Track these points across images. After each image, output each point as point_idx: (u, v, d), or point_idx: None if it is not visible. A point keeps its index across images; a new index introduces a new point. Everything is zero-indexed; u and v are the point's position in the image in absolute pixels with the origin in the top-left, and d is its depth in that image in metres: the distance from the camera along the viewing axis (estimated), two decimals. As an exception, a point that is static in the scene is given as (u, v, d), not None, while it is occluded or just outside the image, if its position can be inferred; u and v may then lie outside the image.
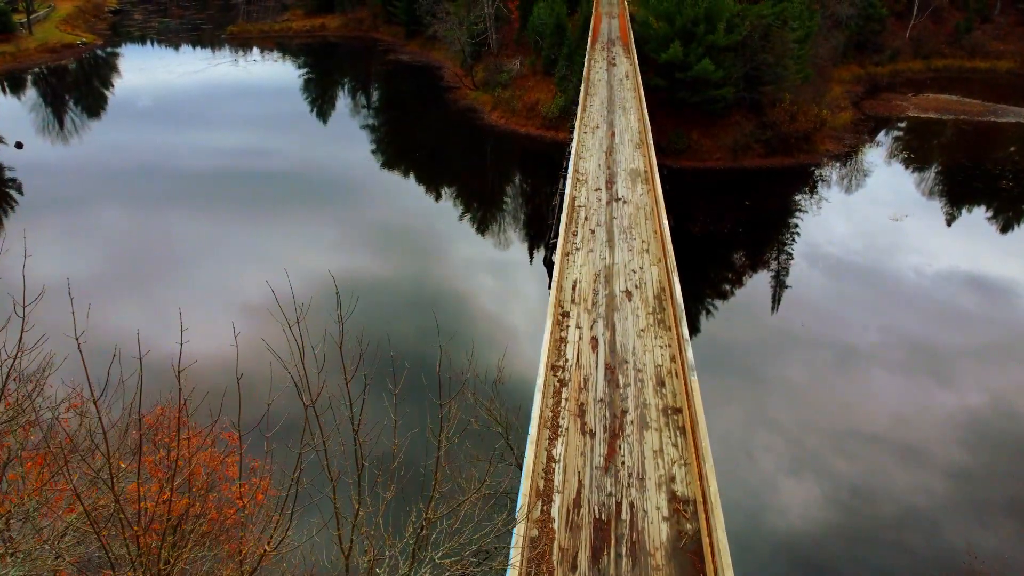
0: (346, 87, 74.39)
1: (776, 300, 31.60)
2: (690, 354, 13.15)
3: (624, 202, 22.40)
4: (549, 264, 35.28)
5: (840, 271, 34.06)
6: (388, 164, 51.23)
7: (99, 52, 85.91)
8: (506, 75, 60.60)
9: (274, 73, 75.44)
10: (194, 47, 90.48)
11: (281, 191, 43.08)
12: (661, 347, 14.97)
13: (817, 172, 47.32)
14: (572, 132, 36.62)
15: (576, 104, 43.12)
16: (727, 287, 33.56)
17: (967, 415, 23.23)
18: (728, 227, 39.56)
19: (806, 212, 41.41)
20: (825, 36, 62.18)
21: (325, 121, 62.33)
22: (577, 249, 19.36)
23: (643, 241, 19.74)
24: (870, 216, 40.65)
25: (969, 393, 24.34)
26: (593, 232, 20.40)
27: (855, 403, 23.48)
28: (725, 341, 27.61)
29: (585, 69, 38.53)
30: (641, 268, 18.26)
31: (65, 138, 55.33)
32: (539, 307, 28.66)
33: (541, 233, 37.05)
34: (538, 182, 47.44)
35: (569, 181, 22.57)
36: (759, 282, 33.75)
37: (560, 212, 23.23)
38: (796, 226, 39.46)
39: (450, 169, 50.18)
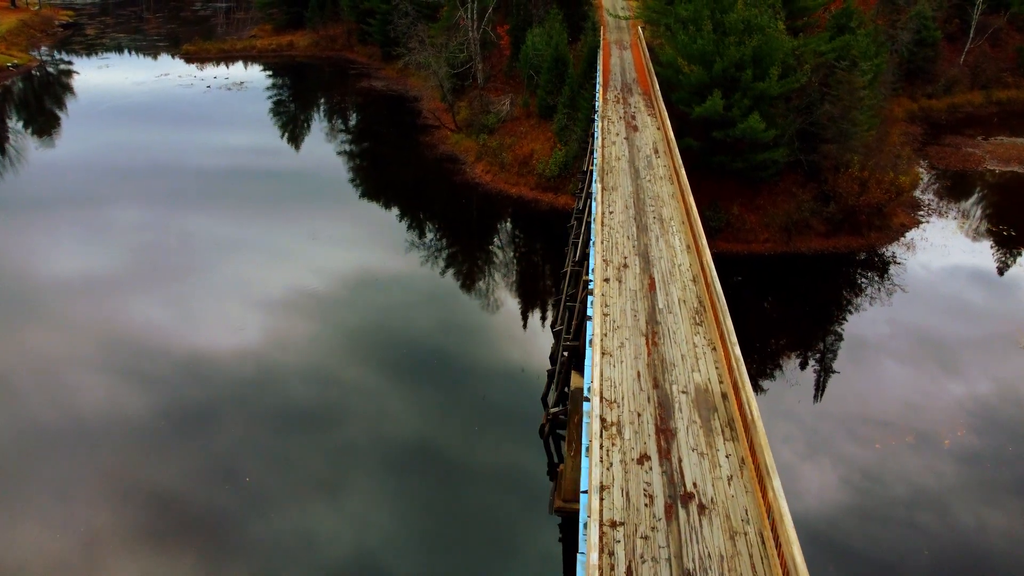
0: (307, 125, 62.86)
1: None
2: None
3: (701, 507, 11.27)
4: (548, 438, 24.23)
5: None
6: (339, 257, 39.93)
7: (34, 72, 74.94)
8: (494, 117, 49.49)
9: (219, 101, 63.94)
10: (137, 63, 79.51)
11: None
12: None
13: (892, 256, 36.36)
14: (576, 246, 24.41)
15: (583, 180, 31.56)
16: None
17: None
18: (802, 357, 28.53)
19: (890, 322, 30.37)
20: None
21: (294, 155, 51.08)
22: None
23: None
24: (987, 337, 29.66)
25: None
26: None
27: None
28: None
29: (599, 141, 26.94)
30: None
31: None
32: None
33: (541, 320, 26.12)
34: (534, 278, 36.29)
35: (592, 449, 11.47)
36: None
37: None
38: (868, 350, 28.25)
39: (428, 277, 38.72)
